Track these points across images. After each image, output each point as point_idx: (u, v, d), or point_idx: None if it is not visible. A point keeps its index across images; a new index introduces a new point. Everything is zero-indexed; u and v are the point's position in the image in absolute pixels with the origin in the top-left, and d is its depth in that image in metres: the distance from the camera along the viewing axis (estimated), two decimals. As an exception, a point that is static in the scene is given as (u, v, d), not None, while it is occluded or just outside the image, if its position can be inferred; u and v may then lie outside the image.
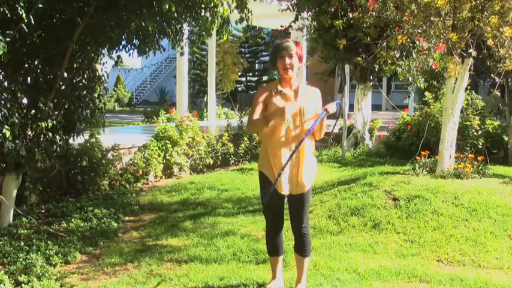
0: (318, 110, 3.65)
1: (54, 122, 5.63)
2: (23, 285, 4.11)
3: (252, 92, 30.99)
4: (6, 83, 5.20)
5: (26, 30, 4.70)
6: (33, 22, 4.74)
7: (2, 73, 5.28)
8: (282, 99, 3.62)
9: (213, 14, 5.69)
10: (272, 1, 13.65)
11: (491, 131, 9.69)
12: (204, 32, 6.06)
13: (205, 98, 19.44)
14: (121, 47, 6.20)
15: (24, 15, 4.64)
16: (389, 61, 8.00)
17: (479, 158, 7.19)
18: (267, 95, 3.65)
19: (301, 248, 3.80)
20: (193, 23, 6.21)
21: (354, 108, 11.78)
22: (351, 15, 8.76)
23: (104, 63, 6.34)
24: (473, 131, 9.48)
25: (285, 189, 3.65)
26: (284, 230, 3.95)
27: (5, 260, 4.55)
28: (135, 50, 6.21)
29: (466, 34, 6.35)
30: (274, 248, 3.92)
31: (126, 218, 6.38)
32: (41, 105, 5.48)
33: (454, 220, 5.37)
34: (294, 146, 3.59)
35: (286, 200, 3.79)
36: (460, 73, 6.53)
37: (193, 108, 19.67)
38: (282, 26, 9.57)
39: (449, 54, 6.47)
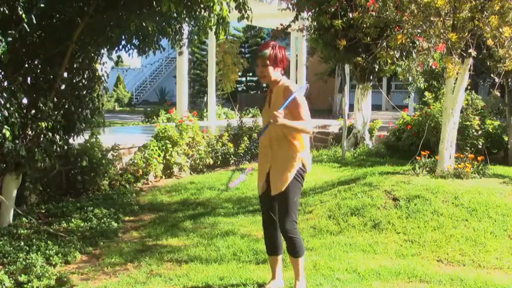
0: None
1: (54, 122, 5.63)
2: (23, 285, 4.12)
3: (252, 92, 30.98)
4: (6, 83, 5.20)
5: (28, 30, 4.69)
6: (34, 21, 4.74)
7: (2, 73, 5.29)
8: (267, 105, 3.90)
9: (211, 13, 5.69)
10: (272, 1, 13.65)
11: (491, 131, 9.69)
12: (201, 31, 6.06)
13: (205, 98, 19.43)
14: (121, 47, 6.20)
15: (24, 15, 4.64)
16: (389, 61, 7.99)
17: (479, 158, 7.19)
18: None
19: (291, 250, 3.80)
20: (193, 23, 6.20)
21: (354, 108, 11.78)
22: (350, 15, 8.75)
23: (104, 63, 6.34)
24: (473, 131, 9.48)
25: (259, 189, 3.88)
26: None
27: (5, 260, 4.55)
28: (135, 50, 6.22)
29: (466, 34, 6.35)
30: (272, 248, 3.94)
31: (126, 218, 6.38)
32: (41, 105, 5.49)
33: (454, 220, 5.37)
34: (269, 150, 3.77)
35: None
36: (460, 73, 6.53)
37: (193, 108, 19.66)
38: (281, 25, 9.56)
39: (449, 54, 6.47)
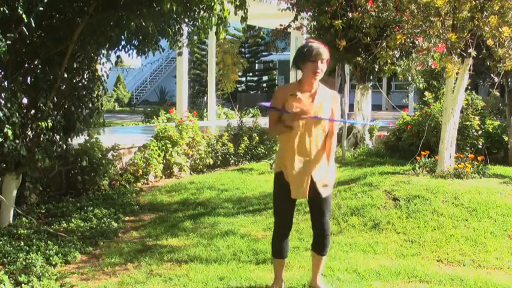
0: (335, 113, 3.75)
1: (54, 122, 5.63)
2: (23, 285, 4.11)
3: (252, 92, 30.99)
4: (6, 83, 5.20)
5: (27, 33, 4.70)
6: (33, 24, 4.74)
7: (2, 73, 5.29)
8: (298, 103, 3.66)
9: (211, 13, 5.69)
10: (272, 1, 13.64)
11: (491, 131, 9.69)
12: (201, 31, 6.06)
13: (205, 98, 19.43)
14: (121, 47, 6.20)
15: (24, 15, 4.65)
16: (389, 61, 7.99)
17: (479, 158, 7.19)
18: (285, 97, 3.71)
19: (325, 248, 3.89)
20: (192, 23, 6.20)
21: (354, 108, 11.78)
22: (350, 15, 8.75)
23: (103, 63, 6.34)
24: (473, 131, 9.47)
25: (299, 194, 3.74)
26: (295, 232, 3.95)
27: (5, 260, 4.55)
28: (135, 50, 6.22)
29: (466, 34, 6.35)
30: (286, 251, 3.92)
31: (126, 218, 6.38)
32: (41, 105, 5.49)
33: (454, 220, 5.37)
34: (309, 152, 3.67)
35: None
36: (459, 73, 6.54)
37: (193, 108, 19.66)
38: (281, 25, 9.56)
39: (448, 54, 6.47)
